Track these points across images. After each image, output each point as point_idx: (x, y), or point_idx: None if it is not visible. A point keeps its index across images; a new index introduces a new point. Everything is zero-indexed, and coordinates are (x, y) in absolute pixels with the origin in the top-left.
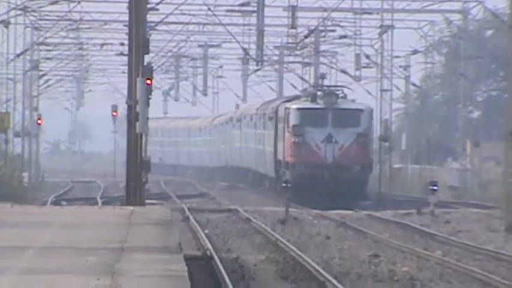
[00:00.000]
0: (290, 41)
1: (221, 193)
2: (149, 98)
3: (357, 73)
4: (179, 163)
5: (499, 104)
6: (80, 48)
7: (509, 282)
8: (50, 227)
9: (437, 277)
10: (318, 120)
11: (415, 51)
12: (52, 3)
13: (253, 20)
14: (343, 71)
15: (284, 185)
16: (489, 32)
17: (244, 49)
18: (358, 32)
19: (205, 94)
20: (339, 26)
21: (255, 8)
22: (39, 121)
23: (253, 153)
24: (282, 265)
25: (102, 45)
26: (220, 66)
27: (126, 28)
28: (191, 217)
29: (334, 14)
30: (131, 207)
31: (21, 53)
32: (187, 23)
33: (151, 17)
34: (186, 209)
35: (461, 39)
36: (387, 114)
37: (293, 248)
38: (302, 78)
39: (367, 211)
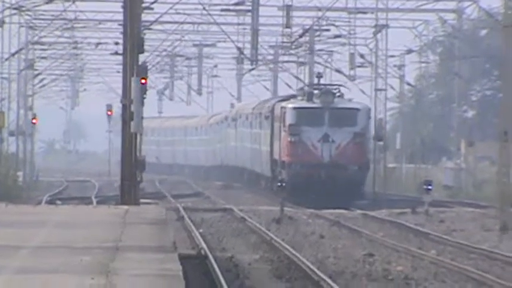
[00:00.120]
0: (285, 40)
1: (216, 192)
2: (144, 98)
3: (352, 72)
4: (175, 162)
5: (493, 103)
6: (75, 48)
7: (504, 282)
8: (44, 226)
9: (432, 276)
10: (314, 119)
11: (409, 51)
12: (47, 3)
13: (248, 19)
14: (338, 71)
15: (279, 184)
16: (483, 32)
17: (238, 48)
18: (352, 32)
19: (199, 93)
20: (333, 25)
21: (250, 8)
22: (33, 120)
23: (249, 152)
24: (276, 264)
25: (97, 44)
26: (215, 66)
27: (121, 27)
28: (186, 216)
29: (328, 14)
30: (126, 207)
31: (16, 52)
32: (182, 23)
33: (146, 17)
34: (180, 208)
35: (456, 39)
36: (382, 114)
37: (287, 247)
38: (297, 78)
39: (361, 210)
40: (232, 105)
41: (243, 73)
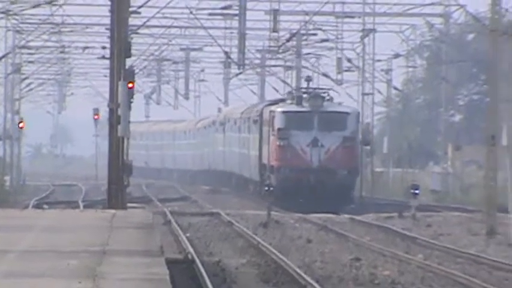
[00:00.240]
0: (272, 44)
1: (203, 197)
2: (131, 102)
3: (339, 77)
4: (164, 166)
5: (480, 107)
6: (62, 52)
7: (491, 286)
8: (31, 230)
9: (419, 281)
10: (303, 123)
11: (396, 55)
12: (34, 7)
13: (235, 23)
14: (325, 75)
15: (266, 188)
16: (471, 36)
17: (226, 52)
18: (340, 36)
19: (186, 98)
20: (320, 29)
21: (237, 12)
22: (20, 124)
23: (237, 157)
24: (263, 268)
25: (84, 48)
26: (202, 70)
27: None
28: (173, 220)
29: (316, 18)
30: (113, 211)
31: (3, 56)
32: (169, 27)
33: (133, 21)
34: (167, 213)
35: (443, 43)
36: (369, 118)
37: (274, 251)
38: (284, 82)
39: (348, 215)
40: (219, 110)
41: (230, 77)
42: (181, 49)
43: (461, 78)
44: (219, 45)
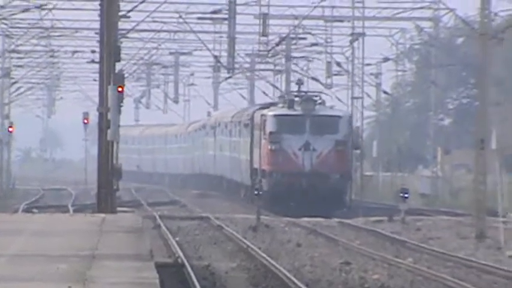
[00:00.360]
0: (261, 48)
1: (193, 201)
2: (120, 106)
3: (328, 81)
4: (156, 171)
5: (469, 111)
6: (51, 56)
7: None
8: (21, 234)
9: (408, 284)
10: (295, 127)
11: (386, 59)
12: (23, 11)
13: (225, 27)
14: (315, 79)
15: (256, 192)
16: (460, 40)
17: (215, 57)
18: (329, 40)
19: (176, 102)
20: (310, 33)
21: (226, 16)
22: (10, 129)
23: (228, 161)
24: (253, 272)
25: (74, 52)
26: (192, 74)
27: (98, 36)
28: (162, 225)
29: (305, 22)
30: (102, 215)
31: None
32: (158, 31)
33: (122, 25)
34: (157, 217)
35: (432, 47)
36: (358, 122)
37: (264, 255)
38: (273, 86)
39: (338, 218)
40: (209, 114)
41: (219, 81)
42: (171, 53)
43: (451, 82)
44: (209, 50)
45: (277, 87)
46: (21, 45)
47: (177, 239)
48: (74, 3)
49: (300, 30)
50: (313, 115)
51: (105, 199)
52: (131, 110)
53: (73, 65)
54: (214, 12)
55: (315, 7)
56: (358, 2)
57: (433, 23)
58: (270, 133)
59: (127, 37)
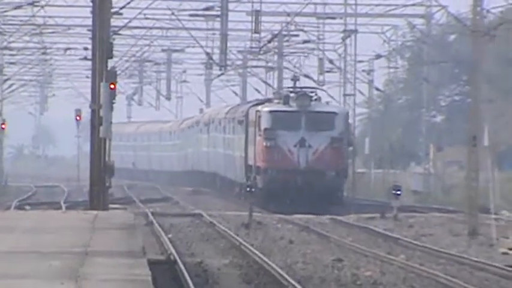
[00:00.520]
0: (253, 45)
1: (185, 198)
2: (113, 103)
3: (321, 78)
4: (151, 168)
5: (462, 108)
6: (44, 53)
7: (472, 287)
8: (13, 231)
9: (401, 281)
10: (290, 123)
11: (378, 56)
12: (15, 8)
13: (217, 24)
14: (307, 76)
15: (248, 189)
16: (452, 37)
17: (207, 53)
18: (321, 37)
19: (168, 98)
20: (302, 30)
21: (219, 13)
22: (2, 126)
23: (222, 158)
24: (245, 269)
25: (66, 49)
26: (184, 71)
27: (90, 33)
28: (154, 221)
29: (297, 19)
30: (95, 212)
31: None
32: (150, 28)
33: (115, 22)
34: (149, 214)
35: (425, 44)
36: (350, 119)
37: (256, 252)
38: (265, 83)
39: (330, 215)
40: (201, 110)
41: (211, 78)
42: (163, 50)
43: (443, 79)
44: (201, 46)
45: (269, 84)
46: (13, 42)
47: (170, 236)
48: (66, 0)
49: (292, 27)
50: (308, 111)
51: (98, 196)
52: (123, 107)
53: (65, 62)
54: (206, 9)
55: (307, 4)
56: None
57: (425, 20)
58: (265, 129)
59: (119, 34)
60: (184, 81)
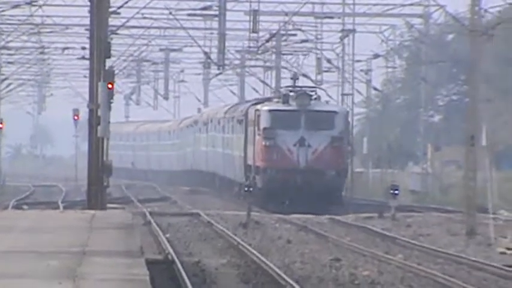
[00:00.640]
0: (251, 45)
1: (183, 197)
2: (111, 102)
3: (319, 77)
4: (150, 168)
5: (460, 108)
6: (42, 53)
7: (470, 286)
8: (11, 231)
9: (399, 281)
10: (290, 122)
11: (376, 56)
12: (13, 7)
13: (215, 24)
14: (305, 75)
15: (246, 189)
16: (450, 36)
17: (205, 53)
18: (319, 36)
19: (166, 98)
20: (300, 30)
21: (217, 12)
22: (0, 125)
23: (221, 157)
24: (243, 269)
25: (64, 49)
26: (182, 71)
27: (88, 32)
28: (152, 221)
29: (295, 18)
30: (93, 211)
31: None
32: (148, 27)
33: (112, 21)
34: (147, 213)
35: (422, 44)
36: (349, 119)
37: (254, 252)
38: (263, 82)
39: (328, 215)
40: (199, 110)
41: (209, 78)
42: (161, 50)
43: (441, 79)
44: (199, 46)
45: (267, 84)
46: (11, 41)
47: (168, 235)
48: (64, 0)
49: (290, 27)
50: (308, 110)
51: (96, 196)
52: (121, 106)
53: (63, 62)
54: (204, 8)
55: (305, 3)
56: None
57: (423, 20)
58: (264, 129)
59: (117, 34)
60: (182, 80)
